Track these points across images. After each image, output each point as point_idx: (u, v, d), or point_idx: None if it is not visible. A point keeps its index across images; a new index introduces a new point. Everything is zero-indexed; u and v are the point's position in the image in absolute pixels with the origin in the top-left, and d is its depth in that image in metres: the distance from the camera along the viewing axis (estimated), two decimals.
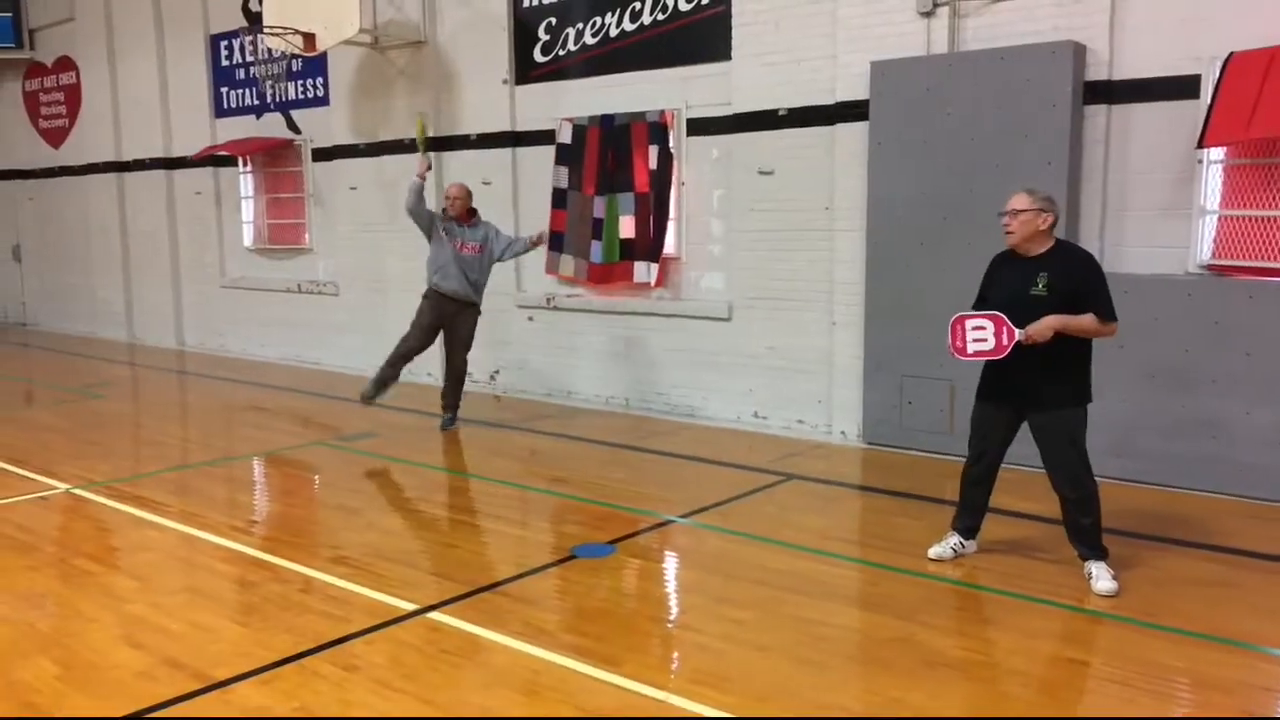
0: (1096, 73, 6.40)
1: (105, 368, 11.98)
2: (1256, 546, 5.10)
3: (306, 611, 4.34)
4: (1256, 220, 5.89)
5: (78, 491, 6.28)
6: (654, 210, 8.55)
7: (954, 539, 4.96)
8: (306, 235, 11.77)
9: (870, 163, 7.17)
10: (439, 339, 7.98)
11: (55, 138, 15.06)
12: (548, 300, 9.41)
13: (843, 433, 7.62)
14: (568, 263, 9.24)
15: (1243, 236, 5.95)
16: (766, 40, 7.76)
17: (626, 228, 8.76)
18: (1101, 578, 4.50)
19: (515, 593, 4.57)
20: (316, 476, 6.95)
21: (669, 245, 8.60)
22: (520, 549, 5.30)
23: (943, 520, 5.14)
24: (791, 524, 5.58)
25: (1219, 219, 6.10)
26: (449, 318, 7.86)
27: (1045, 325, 4.42)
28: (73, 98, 14.55)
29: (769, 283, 7.98)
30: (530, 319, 9.60)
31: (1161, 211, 6.31)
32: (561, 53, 9.14)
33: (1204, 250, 6.16)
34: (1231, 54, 5.81)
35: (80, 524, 5.76)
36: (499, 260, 8.01)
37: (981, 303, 4.78)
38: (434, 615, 4.26)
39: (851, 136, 7.32)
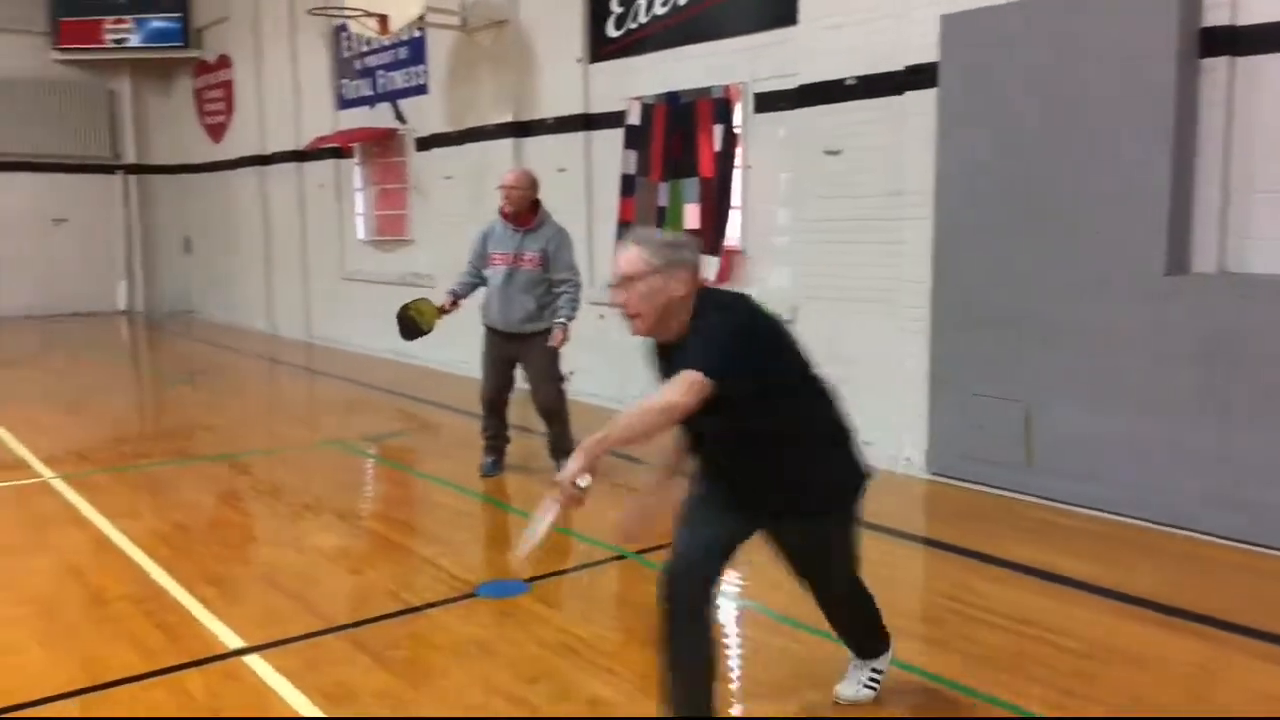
0: (1215, 16, 4.97)
1: (219, 356, 12.25)
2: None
3: (126, 639, 3.80)
4: None
5: (54, 481, 6.10)
6: (717, 197, 7.63)
7: (864, 671, 3.30)
8: (408, 226, 11.55)
9: (939, 138, 5.99)
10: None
11: (216, 132, 15.71)
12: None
13: (908, 459, 6.43)
14: None
15: None
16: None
17: (691, 217, 7.87)
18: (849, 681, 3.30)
19: (367, 638, 3.85)
20: (293, 479, 6.49)
21: (733, 237, 7.65)
22: (429, 580, 4.56)
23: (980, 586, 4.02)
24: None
25: None
26: (512, 354, 6.15)
27: (566, 475, 2.53)
28: (229, 94, 15.11)
29: (834, 280, 6.88)
30: (601, 316, 8.84)
31: None
32: (633, 25, 8.36)
33: None
34: None
35: (16, 515, 5.53)
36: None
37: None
38: (249, 659, 3.62)
39: (922, 106, 6.14)
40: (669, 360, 2.77)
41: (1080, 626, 3.88)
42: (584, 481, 2.48)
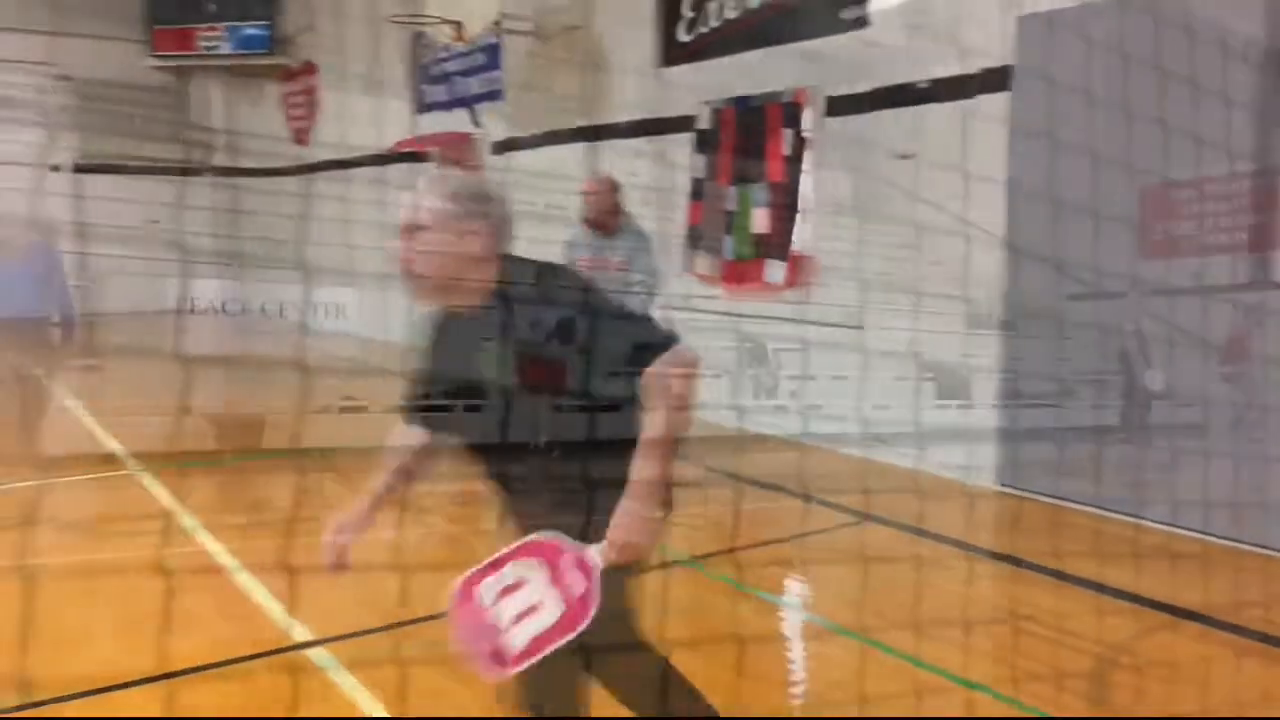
0: None
1: (299, 354, 12.58)
2: None
3: (196, 630, 3.94)
4: None
5: (139, 474, 6.33)
6: (786, 202, 7.61)
7: None
8: None
9: (1012, 141, 5.90)
10: None
11: (302, 136, 16.14)
12: (685, 302, 8.66)
13: (976, 469, 6.32)
14: (704, 259, 8.47)
15: None
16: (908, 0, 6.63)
17: (760, 221, 7.87)
18: None
19: (431, 635, 3.91)
20: (368, 476, 6.64)
21: (801, 242, 7.61)
22: None
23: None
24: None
25: None
26: None
27: (632, 521, 2.20)
28: (313, 99, 15.52)
29: (903, 285, 6.81)
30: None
31: None
32: (704, 30, 8.38)
33: None
34: None
35: (100, 507, 5.77)
36: None
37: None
38: (312, 652, 3.73)
39: (996, 110, 6.05)
40: (470, 336, 2.31)
41: (1150, 647, 3.78)
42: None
